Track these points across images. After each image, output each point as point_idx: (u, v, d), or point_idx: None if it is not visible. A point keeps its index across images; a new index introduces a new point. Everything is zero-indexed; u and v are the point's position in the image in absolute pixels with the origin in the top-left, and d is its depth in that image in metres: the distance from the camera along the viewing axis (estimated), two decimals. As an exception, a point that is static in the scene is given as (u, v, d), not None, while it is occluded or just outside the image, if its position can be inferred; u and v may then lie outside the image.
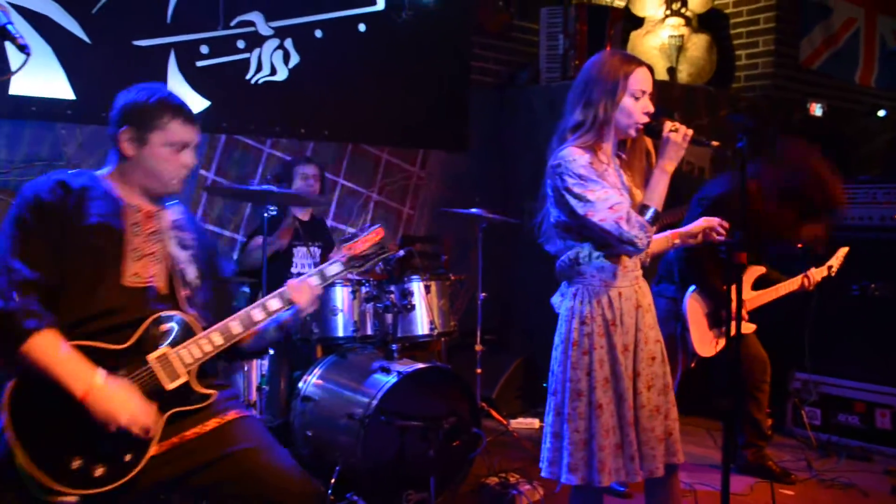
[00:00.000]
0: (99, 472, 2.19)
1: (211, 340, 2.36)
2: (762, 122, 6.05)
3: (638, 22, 6.80)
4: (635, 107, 2.68)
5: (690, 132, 2.65)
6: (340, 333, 4.13)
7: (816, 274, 4.33)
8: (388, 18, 5.76)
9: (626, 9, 6.89)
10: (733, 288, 2.61)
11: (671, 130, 2.64)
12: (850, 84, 7.46)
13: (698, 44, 6.58)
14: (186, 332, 2.37)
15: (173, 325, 2.37)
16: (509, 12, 6.53)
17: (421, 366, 3.91)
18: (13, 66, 4.17)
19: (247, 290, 4.99)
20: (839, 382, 5.03)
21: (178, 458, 2.34)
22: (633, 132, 2.71)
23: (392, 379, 3.78)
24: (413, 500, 3.76)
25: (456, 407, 3.92)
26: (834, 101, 6.92)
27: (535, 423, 5.30)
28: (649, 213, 2.62)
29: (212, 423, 2.39)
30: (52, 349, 2.15)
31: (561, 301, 2.83)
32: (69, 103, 4.52)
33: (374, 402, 3.69)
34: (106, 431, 2.14)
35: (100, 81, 4.58)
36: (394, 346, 4.11)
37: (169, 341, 2.34)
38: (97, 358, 2.21)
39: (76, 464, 2.16)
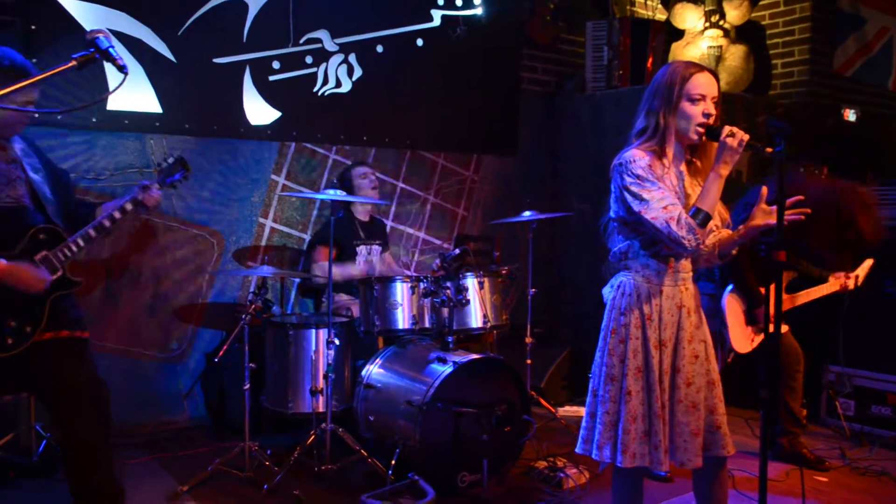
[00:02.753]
0: (9, 341, 2.79)
1: (77, 243, 2.94)
2: (798, 127, 5.93)
3: (678, 34, 6.73)
4: (693, 110, 2.63)
5: (746, 137, 2.58)
6: (400, 326, 4.15)
7: (850, 282, 4.31)
8: (443, 34, 5.78)
9: (667, 22, 6.82)
10: (772, 285, 2.56)
11: (728, 135, 2.58)
12: (884, 90, 7.28)
13: (736, 54, 6.49)
14: (58, 238, 2.92)
15: (48, 234, 2.91)
16: (557, 26, 6.50)
17: (475, 356, 3.90)
18: (110, 85, 4.31)
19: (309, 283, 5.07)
20: (872, 375, 4.91)
21: (43, 350, 2.87)
22: (694, 136, 2.65)
23: (448, 368, 3.79)
24: (467, 481, 3.77)
25: (507, 395, 3.93)
26: (867, 107, 6.76)
27: (581, 410, 5.16)
28: (700, 216, 2.58)
29: (65, 333, 2.93)
30: None
31: (610, 291, 2.83)
32: (157, 116, 4.64)
33: (432, 390, 3.71)
34: (18, 303, 2.75)
35: (183, 96, 4.71)
36: (449, 338, 4.10)
37: (46, 246, 2.89)
38: None
39: None
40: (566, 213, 4.98)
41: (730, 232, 2.81)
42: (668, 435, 2.69)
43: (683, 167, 2.75)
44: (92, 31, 2.07)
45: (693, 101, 2.63)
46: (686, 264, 2.77)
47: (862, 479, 4.16)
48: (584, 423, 2.82)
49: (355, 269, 4.70)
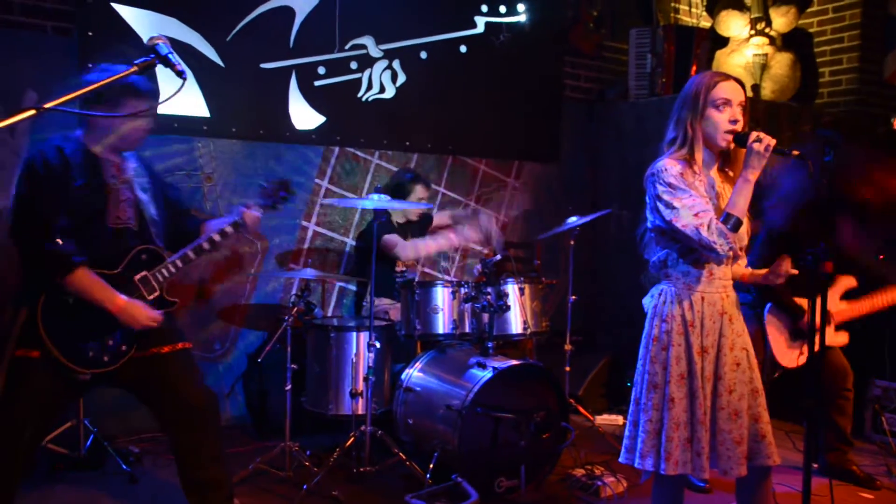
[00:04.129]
0: (105, 358, 2.87)
1: (175, 264, 3.02)
2: (846, 136, 5.88)
3: (723, 42, 6.69)
4: (719, 117, 2.66)
5: (773, 142, 2.60)
6: (440, 330, 4.17)
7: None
8: (487, 40, 5.82)
9: (712, 29, 6.78)
10: (818, 298, 2.55)
11: (755, 140, 2.60)
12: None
13: (782, 62, 6.44)
14: (158, 259, 3.01)
15: (149, 255, 3.00)
16: (600, 33, 6.51)
17: (514, 362, 3.92)
18: (163, 90, 4.40)
19: (354, 287, 5.14)
20: (920, 390, 4.86)
21: (143, 364, 2.97)
22: (722, 142, 2.68)
23: (488, 374, 3.81)
24: (504, 486, 3.80)
25: (546, 402, 3.95)
26: (919, 117, 6.67)
27: (619, 419, 5.25)
28: (731, 222, 2.60)
29: (167, 348, 3.02)
30: (89, 278, 2.79)
31: (650, 301, 2.85)
32: (204, 120, 4.75)
33: (471, 395, 3.73)
34: (116, 322, 2.83)
35: (230, 101, 4.80)
36: (489, 344, 4.13)
37: (147, 266, 2.98)
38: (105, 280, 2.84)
39: (91, 353, 2.83)
40: (605, 212, 4.93)
41: (745, 270, 2.91)
42: (710, 442, 2.70)
43: (714, 174, 2.77)
44: (152, 38, 2.14)
45: (718, 107, 2.66)
46: (726, 271, 2.78)
47: (909, 498, 4.11)
48: (626, 433, 2.83)
49: (443, 240, 4.72)
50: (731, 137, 2.67)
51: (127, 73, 2.03)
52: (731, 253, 2.66)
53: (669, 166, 2.66)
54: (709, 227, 2.57)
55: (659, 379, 2.72)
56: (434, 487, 3.70)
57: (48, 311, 2.78)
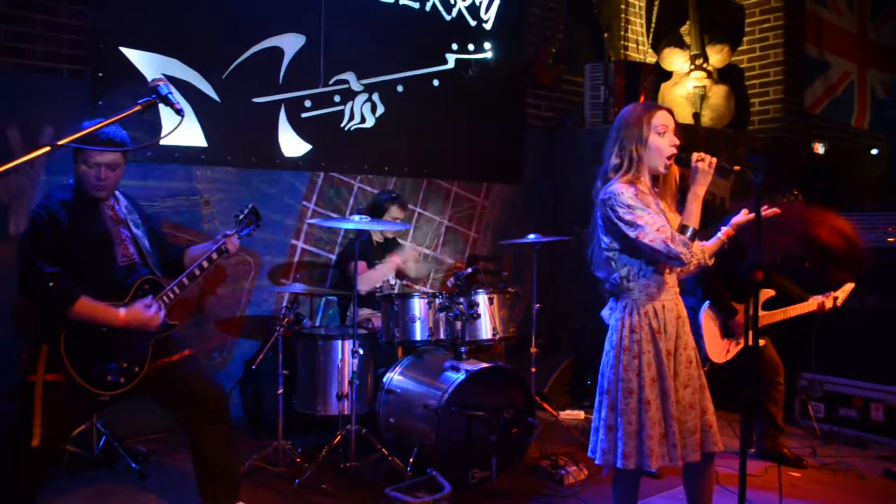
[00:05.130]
0: (122, 380, 2.92)
1: (174, 290, 3.06)
2: (774, 159, 5.98)
3: (667, 75, 6.78)
4: (662, 142, 2.68)
5: (715, 160, 2.63)
6: (418, 337, 4.15)
7: (828, 302, 4.29)
8: (457, 75, 5.84)
9: (657, 64, 6.87)
10: (751, 300, 2.58)
11: (698, 160, 2.63)
12: (848, 127, 7.32)
13: (718, 93, 6.52)
14: (158, 287, 3.06)
15: (151, 284, 3.04)
16: (559, 68, 6.56)
17: (485, 365, 3.92)
18: (163, 124, 4.40)
19: (335, 299, 5.12)
20: (840, 381, 4.93)
21: (156, 375, 3.02)
22: (662, 168, 2.70)
23: (461, 376, 3.81)
24: (478, 477, 3.79)
25: (514, 400, 3.95)
26: (834, 142, 6.79)
27: (581, 414, 5.26)
28: (689, 232, 2.62)
29: (175, 357, 3.08)
30: (89, 305, 2.81)
31: (610, 314, 2.82)
32: (202, 150, 4.72)
33: (446, 395, 3.73)
34: (127, 347, 2.89)
35: (226, 132, 4.78)
36: (462, 349, 4.12)
37: (151, 293, 3.02)
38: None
39: (109, 378, 2.88)
40: (566, 238, 4.99)
41: (715, 241, 2.87)
42: (681, 433, 2.70)
43: (653, 194, 2.77)
44: (154, 80, 2.15)
45: (660, 133, 2.69)
46: (674, 279, 2.79)
47: (830, 474, 4.18)
48: (601, 436, 2.76)
49: (384, 268, 4.74)
50: (671, 161, 2.69)
51: (131, 111, 2.02)
52: (691, 260, 2.64)
53: (624, 189, 2.64)
54: (673, 238, 2.57)
55: (633, 385, 2.69)
56: (411, 480, 3.68)
57: (70, 343, 2.82)
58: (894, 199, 5.26)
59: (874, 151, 6.93)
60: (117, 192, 3.10)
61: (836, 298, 4.32)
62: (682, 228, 2.63)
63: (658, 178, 2.79)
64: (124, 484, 3.79)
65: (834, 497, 3.83)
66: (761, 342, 4.31)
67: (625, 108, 2.79)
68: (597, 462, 2.80)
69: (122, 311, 2.88)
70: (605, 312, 2.90)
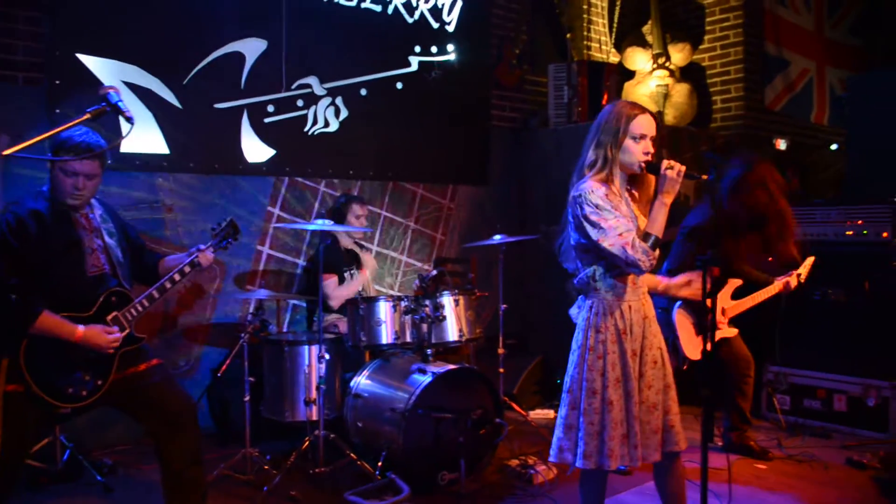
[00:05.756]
0: (83, 393, 2.87)
1: (142, 304, 3.02)
2: (734, 155, 6.06)
3: (630, 74, 6.83)
4: (635, 148, 2.66)
5: (683, 168, 2.63)
6: (384, 341, 4.15)
7: (793, 281, 4.31)
8: (420, 77, 5.85)
9: (620, 63, 6.93)
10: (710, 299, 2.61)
11: (667, 168, 2.62)
12: (807, 123, 7.45)
13: (681, 91, 6.59)
14: (126, 300, 2.99)
15: (118, 297, 2.98)
16: (522, 69, 6.59)
17: (452, 367, 3.93)
18: (123, 131, 4.34)
19: (305, 304, 5.10)
20: (805, 373, 5.01)
21: (122, 385, 2.97)
22: (636, 169, 2.68)
23: (428, 378, 3.82)
24: (447, 479, 3.80)
25: (482, 401, 3.96)
26: (795, 138, 6.90)
27: (551, 413, 5.27)
28: (651, 240, 2.60)
29: (142, 366, 3.02)
30: (50, 320, 2.76)
31: (578, 312, 2.83)
32: (164, 157, 4.67)
33: (413, 398, 3.73)
34: (91, 360, 2.84)
35: (188, 138, 4.74)
36: (429, 351, 4.13)
37: (116, 307, 2.96)
38: (74, 321, 2.83)
39: (69, 391, 2.83)
40: (532, 237, 5.02)
41: (659, 281, 2.88)
42: (642, 434, 2.71)
43: (626, 195, 2.76)
44: (104, 87, 2.13)
45: (635, 139, 2.66)
46: (643, 279, 2.79)
47: (796, 465, 4.25)
48: (559, 434, 2.77)
49: (354, 285, 4.77)
50: (644, 167, 2.67)
51: (80, 120, 2.00)
52: (650, 269, 2.65)
53: (595, 188, 2.63)
54: (633, 245, 2.56)
55: (597, 385, 2.69)
56: (371, 484, 3.69)
57: (30, 354, 2.77)
58: (852, 193, 5.34)
59: (833, 147, 7.06)
60: (93, 200, 3.06)
61: (799, 276, 4.35)
62: (645, 236, 2.62)
63: (636, 179, 2.78)
64: (89, 497, 3.75)
65: (798, 487, 3.90)
66: (733, 332, 4.36)
67: (608, 106, 2.77)
68: (551, 459, 2.81)
69: (80, 329, 2.83)
70: (573, 311, 2.91)
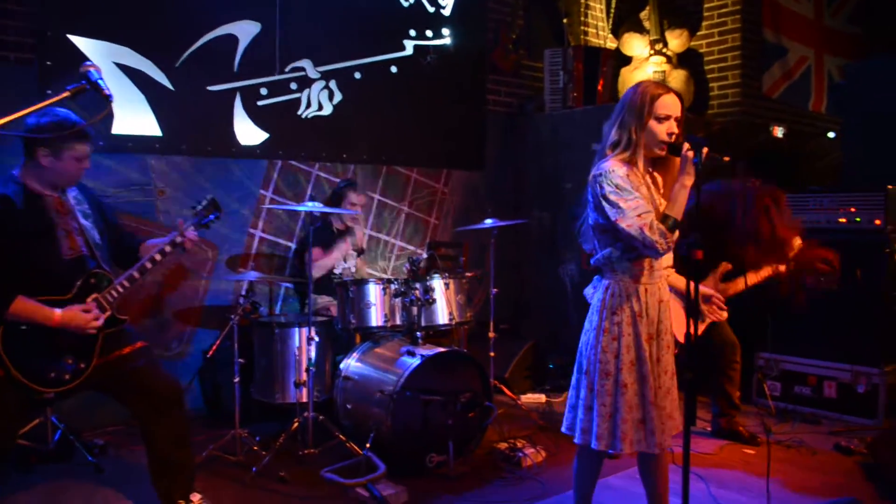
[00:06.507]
0: (66, 377, 2.84)
1: (122, 285, 2.96)
2: (733, 142, 6.04)
3: (626, 60, 6.80)
4: (659, 128, 2.62)
5: (706, 150, 2.56)
6: (374, 323, 4.16)
7: (744, 282, 4.24)
8: (415, 61, 5.83)
9: (617, 49, 6.90)
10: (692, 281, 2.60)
11: (688, 150, 2.56)
12: (805, 111, 7.42)
13: (678, 78, 6.56)
14: (106, 281, 2.95)
15: (98, 279, 2.94)
16: (518, 54, 6.57)
17: (441, 349, 3.93)
18: (115, 112, 4.33)
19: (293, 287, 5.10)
20: (795, 360, 5.02)
21: (107, 369, 2.95)
22: (658, 151, 2.64)
23: (416, 361, 3.82)
24: (435, 461, 3.81)
25: (471, 384, 3.97)
26: (792, 125, 6.87)
27: (542, 398, 5.30)
28: (669, 222, 2.56)
29: (127, 349, 3.00)
30: (25, 304, 2.74)
31: (593, 293, 2.80)
32: (156, 139, 4.66)
33: (402, 380, 3.74)
34: (73, 343, 2.82)
35: (180, 121, 4.73)
36: (418, 334, 4.15)
37: (96, 288, 2.92)
38: (53, 305, 2.81)
39: (52, 374, 2.81)
40: (521, 221, 5.01)
41: (677, 281, 2.83)
42: (659, 419, 2.67)
43: (649, 177, 2.71)
44: (84, 65, 2.12)
45: (659, 119, 2.62)
46: (663, 260, 2.74)
47: (784, 451, 4.26)
48: (580, 415, 2.75)
49: (335, 254, 4.77)
50: (665, 148, 2.63)
51: (59, 97, 1.99)
52: (668, 251, 2.61)
53: (616, 167, 2.60)
54: (651, 227, 2.52)
55: (611, 367, 2.66)
56: (347, 462, 3.70)
57: (8, 339, 2.75)
58: (849, 181, 5.33)
59: (830, 135, 7.03)
60: None
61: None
62: (664, 218, 2.57)
63: (658, 163, 2.74)
64: (80, 478, 3.75)
65: (785, 472, 3.91)
66: (723, 316, 4.35)
67: (633, 85, 2.72)
68: (576, 441, 2.78)
69: (57, 312, 2.80)
70: (588, 290, 2.88)
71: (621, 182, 2.57)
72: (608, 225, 2.61)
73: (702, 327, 4.30)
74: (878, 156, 5.19)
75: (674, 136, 2.63)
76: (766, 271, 4.30)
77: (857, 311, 4.77)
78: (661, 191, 2.73)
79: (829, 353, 4.88)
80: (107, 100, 2.05)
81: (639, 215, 2.53)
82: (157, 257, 3.07)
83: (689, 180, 2.57)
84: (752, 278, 4.29)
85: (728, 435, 4.41)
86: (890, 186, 4.73)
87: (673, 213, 2.58)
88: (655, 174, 2.75)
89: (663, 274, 2.76)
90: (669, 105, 2.64)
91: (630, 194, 2.56)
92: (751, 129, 6.54)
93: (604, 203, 2.59)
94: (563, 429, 2.86)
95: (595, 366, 2.70)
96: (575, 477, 2.94)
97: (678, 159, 2.64)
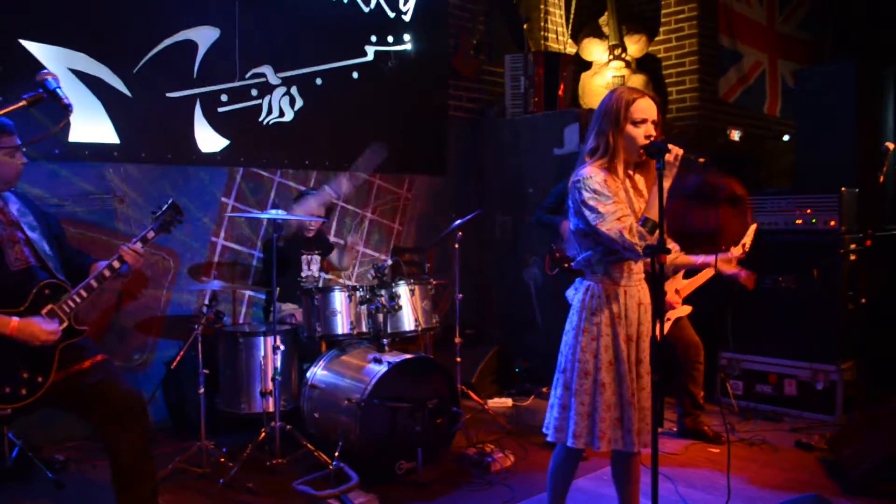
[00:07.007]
0: (23, 392, 2.73)
1: (80, 294, 2.87)
2: (691, 145, 6.13)
3: (586, 65, 6.88)
4: (636, 132, 2.64)
5: (681, 152, 2.61)
6: (340, 331, 4.13)
7: (735, 251, 4.10)
8: (376, 67, 5.81)
9: (577, 54, 6.97)
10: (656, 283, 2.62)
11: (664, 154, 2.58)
12: (761, 114, 7.58)
13: (637, 82, 6.65)
14: (61, 292, 2.86)
15: (52, 289, 2.85)
16: (479, 59, 6.59)
17: (407, 356, 3.92)
18: (73, 122, 4.23)
19: (262, 296, 5.05)
20: (756, 359, 5.12)
21: (66, 383, 2.84)
22: (636, 157, 2.68)
23: (383, 368, 3.80)
24: (404, 468, 3.79)
25: (438, 390, 3.96)
26: (748, 129, 7.01)
27: (509, 402, 5.31)
28: (648, 225, 2.59)
29: (87, 363, 2.89)
30: None
31: (574, 294, 2.83)
32: (115, 147, 4.57)
33: (369, 388, 3.72)
34: (29, 356, 2.71)
35: (139, 128, 4.64)
36: (385, 341, 4.13)
37: (52, 300, 2.83)
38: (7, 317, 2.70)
39: (7, 390, 2.69)
40: (477, 212, 4.96)
41: (688, 258, 2.84)
42: (637, 419, 2.70)
43: (628, 182, 2.75)
44: (41, 73, 2.06)
45: (636, 123, 2.65)
46: (641, 266, 2.79)
47: (748, 448, 4.34)
48: (555, 414, 2.78)
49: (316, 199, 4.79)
50: (643, 151, 2.65)
51: (15, 107, 1.94)
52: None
53: (594, 174, 2.63)
54: (630, 230, 2.55)
55: (590, 367, 2.69)
56: (319, 473, 3.67)
57: None
58: (803, 183, 5.45)
59: (786, 138, 7.19)
60: (7, 194, 2.94)
61: (744, 245, 4.34)
62: (644, 221, 2.60)
63: (640, 166, 2.77)
64: (40, 496, 3.66)
65: (749, 469, 3.98)
66: (686, 310, 4.41)
67: (610, 92, 2.75)
68: (549, 439, 2.81)
69: (14, 321, 2.71)
70: (569, 292, 2.91)
71: (599, 187, 2.60)
72: (588, 229, 2.65)
73: (668, 325, 4.37)
74: (831, 158, 5.32)
75: (651, 139, 2.67)
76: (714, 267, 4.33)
77: (815, 309, 4.88)
78: (644, 194, 2.77)
79: (789, 352, 4.99)
80: (66, 109, 2.00)
81: (618, 219, 2.57)
82: (107, 273, 2.97)
83: (665, 182, 2.61)
84: (708, 273, 4.35)
85: (693, 434, 4.47)
86: (843, 188, 4.85)
87: (651, 214, 2.61)
88: (637, 177, 2.79)
89: (641, 277, 2.80)
90: (645, 109, 2.67)
91: (608, 199, 2.60)
92: (709, 132, 6.66)
93: (583, 208, 2.63)
94: (543, 428, 2.87)
95: (574, 365, 2.73)
96: (550, 477, 2.95)
97: (655, 162, 2.66)
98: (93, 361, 2.94)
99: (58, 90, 2.02)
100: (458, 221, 4.71)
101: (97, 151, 4.51)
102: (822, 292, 4.87)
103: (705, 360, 4.52)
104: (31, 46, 4.25)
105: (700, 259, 2.83)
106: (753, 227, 4.31)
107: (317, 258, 4.88)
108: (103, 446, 2.97)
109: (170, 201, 3.25)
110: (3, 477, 3.79)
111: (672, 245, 2.78)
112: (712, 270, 4.32)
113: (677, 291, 4.37)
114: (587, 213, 2.62)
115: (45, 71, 2.06)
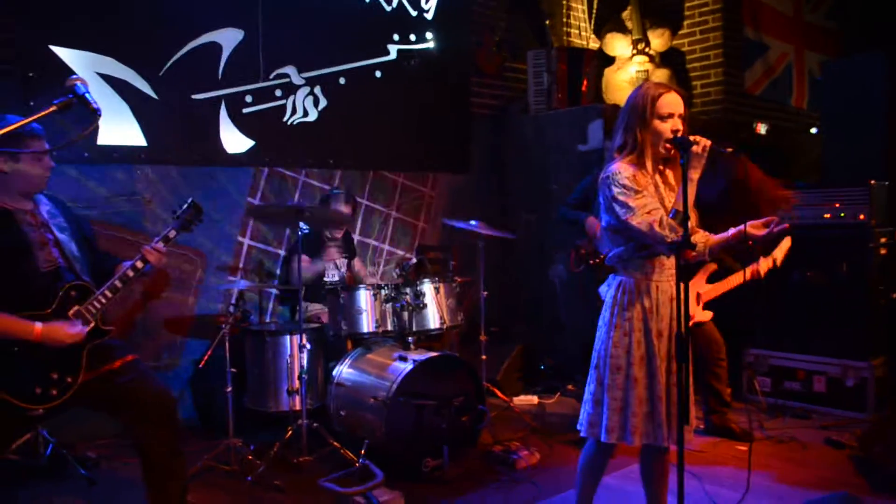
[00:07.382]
0: (53, 392, 2.76)
1: (105, 295, 2.89)
2: (717, 139, 6.08)
3: (610, 60, 6.84)
4: (663, 127, 2.65)
5: (709, 143, 2.60)
6: (365, 329, 4.15)
7: (763, 265, 4.19)
8: (399, 66, 5.83)
9: (600, 49, 6.93)
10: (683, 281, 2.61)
11: (693, 143, 2.59)
12: (787, 107, 7.48)
13: (661, 76, 6.60)
14: (87, 293, 2.88)
15: (78, 290, 2.88)
16: (502, 56, 6.58)
17: (432, 354, 3.93)
18: (101, 126, 4.29)
19: (288, 295, 5.08)
20: (784, 355, 5.06)
21: (97, 383, 2.88)
22: (662, 150, 2.68)
23: (409, 366, 3.82)
24: (430, 465, 3.81)
25: (464, 388, 3.97)
26: (775, 122, 6.93)
27: (534, 399, 5.31)
28: (679, 217, 2.57)
29: (117, 363, 2.92)
30: (4, 321, 2.66)
31: (607, 290, 2.84)
32: (142, 149, 4.63)
33: (395, 386, 3.74)
34: (58, 357, 2.74)
35: (166, 130, 4.71)
36: (410, 339, 4.14)
37: (78, 301, 2.86)
38: (34, 320, 2.73)
39: (38, 390, 2.73)
40: (510, 236, 5.01)
41: (719, 236, 2.83)
42: (667, 414, 2.70)
43: (658, 176, 2.74)
44: (70, 79, 2.10)
45: (663, 118, 2.65)
46: (672, 261, 2.76)
47: (776, 446, 4.29)
48: (588, 409, 2.79)
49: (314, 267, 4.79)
50: (670, 146, 2.65)
51: (46, 112, 1.97)
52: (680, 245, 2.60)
53: (623, 169, 2.65)
54: (660, 223, 2.56)
55: (622, 362, 2.70)
56: (345, 471, 3.69)
57: None
58: (831, 176, 5.37)
59: (813, 130, 7.09)
60: (39, 196, 2.98)
61: (774, 260, 4.22)
62: (674, 213, 2.60)
63: (669, 161, 2.76)
64: (73, 492, 3.72)
65: (777, 467, 3.94)
66: (707, 316, 4.38)
67: (636, 88, 2.77)
68: (582, 434, 2.82)
69: (38, 326, 2.73)
70: (602, 288, 2.92)
71: (628, 182, 2.62)
72: (619, 225, 2.66)
73: (691, 323, 4.33)
74: (859, 151, 5.24)
75: (679, 133, 2.66)
76: (742, 276, 4.27)
77: (844, 305, 4.81)
78: (675, 188, 2.75)
79: (818, 348, 4.92)
80: (94, 114, 2.03)
81: (648, 212, 2.58)
82: (130, 273, 2.99)
83: (694, 174, 2.61)
84: (735, 280, 4.32)
85: (721, 432, 4.43)
86: (872, 181, 4.78)
87: (680, 207, 2.59)
88: (667, 172, 2.78)
89: (673, 272, 2.77)
90: (671, 103, 2.68)
91: (638, 193, 2.61)
92: (734, 126, 6.59)
93: (613, 204, 2.64)
94: (577, 425, 2.87)
95: (606, 360, 2.74)
96: (579, 473, 2.96)
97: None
98: (123, 361, 2.97)
99: (87, 95, 2.06)
100: (479, 227, 4.67)
101: (125, 154, 4.58)
102: (852, 287, 4.80)
103: (731, 356, 4.48)
104: (61, 52, 4.33)
105: (731, 232, 2.79)
106: (787, 241, 4.26)
107: (344, 261, 4.91)
108: (133, 444, 3.02)
109: (189, 200, 3.28)
110: (38, 473, 3.87)
111: (698, 235, 2.75)
112: (739, 278, 4.29)
113: (698, 297, 4.33)
114: (617, 208, 2.63)
115: (75, 76, 2.10)
